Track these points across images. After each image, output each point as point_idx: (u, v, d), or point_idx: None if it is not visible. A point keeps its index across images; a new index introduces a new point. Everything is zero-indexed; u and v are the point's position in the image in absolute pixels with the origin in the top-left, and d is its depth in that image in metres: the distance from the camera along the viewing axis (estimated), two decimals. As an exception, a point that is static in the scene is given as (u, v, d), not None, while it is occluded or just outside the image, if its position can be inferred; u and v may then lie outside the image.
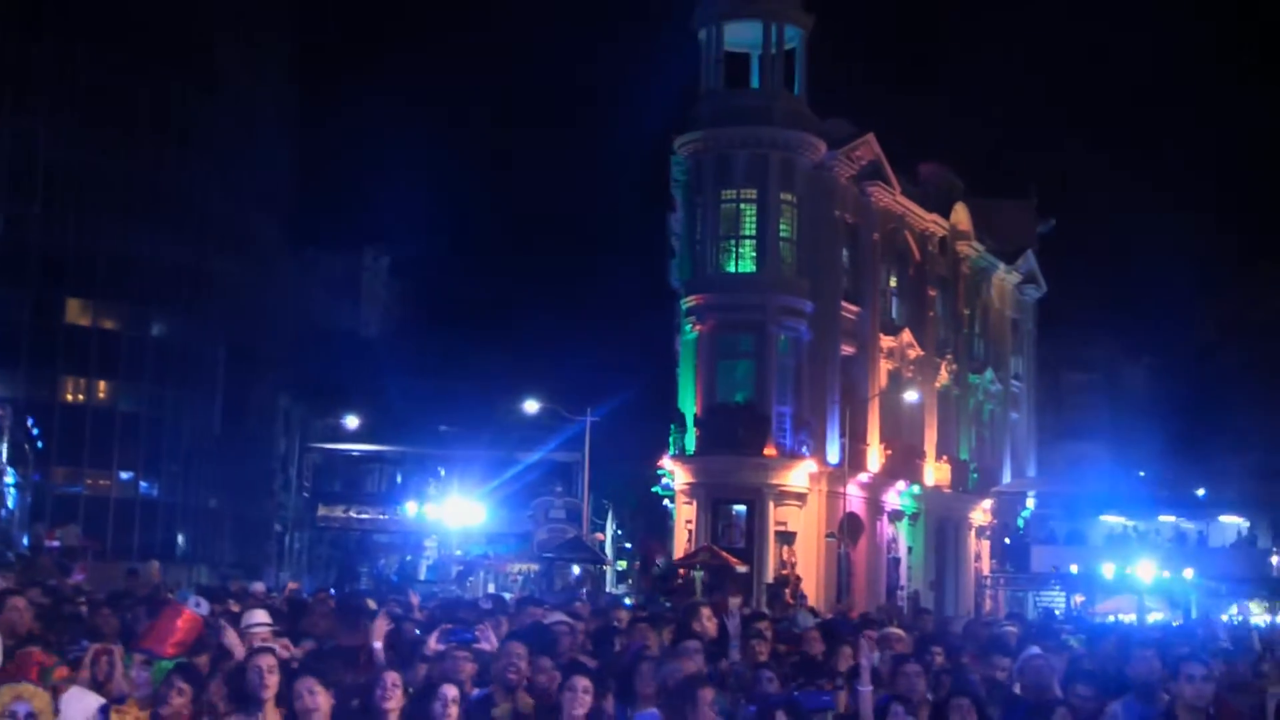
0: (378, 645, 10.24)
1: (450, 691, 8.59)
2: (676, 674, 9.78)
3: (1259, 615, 51.12)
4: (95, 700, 9.00)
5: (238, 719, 8.44)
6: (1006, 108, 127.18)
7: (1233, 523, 60.31)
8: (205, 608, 12.71)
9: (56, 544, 51.01)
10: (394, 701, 8.58)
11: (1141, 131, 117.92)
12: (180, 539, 72.89)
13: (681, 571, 45.02)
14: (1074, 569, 54.07)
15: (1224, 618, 47.17)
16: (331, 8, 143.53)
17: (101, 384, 71.56)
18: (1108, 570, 52.73)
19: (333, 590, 28.14)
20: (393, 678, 8.71)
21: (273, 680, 8.47)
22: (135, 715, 8.66)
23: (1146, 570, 52.19)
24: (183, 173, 72.54)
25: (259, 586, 22.45)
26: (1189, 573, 52.40)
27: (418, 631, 13.06)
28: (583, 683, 8.96)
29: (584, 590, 43.08)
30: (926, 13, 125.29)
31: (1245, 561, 56.16)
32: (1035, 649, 11.46)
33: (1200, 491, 60.82)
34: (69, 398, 70.56)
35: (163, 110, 71.65)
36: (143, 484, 72.01)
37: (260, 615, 12.00)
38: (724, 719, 9.67)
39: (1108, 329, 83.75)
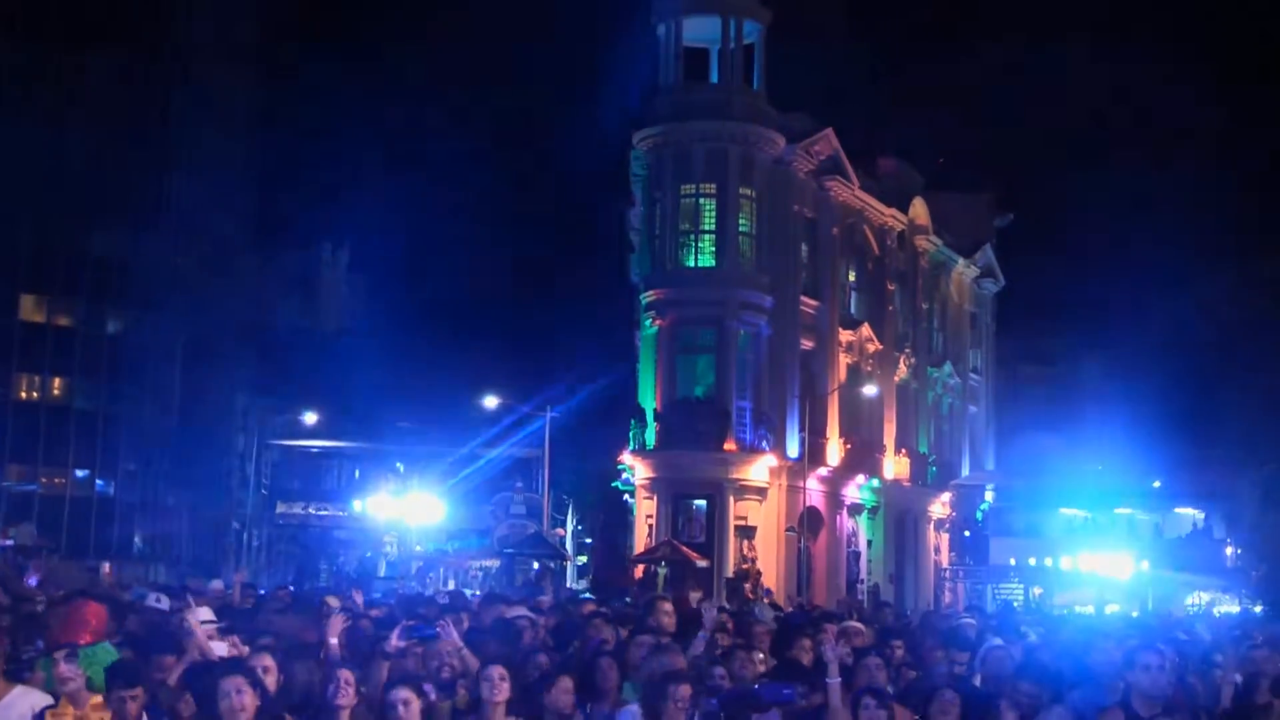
0: (334, 642, 10.19)
1: (403, 694, 8.50)
2: (658, 669, 9.80)
3: (1216, 606, 51.49)
4: (42, 698, 8.90)
5: None
6: (964, 102, 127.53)
7: (1188, 514, 60.76)
8: (165, 604, 12.63)
9: (9, 543, 50.60)
10: (346, 699, 8.52)
11: (1098, 127, 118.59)
12: (137, 537, 72.46)
13: (640, 567, 45.05)
14: (1032, 561, 54.38)
15: (1187, 606, 47.61)
16: (291, 3, 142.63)
17: (56, 381, 71.10)
18: (1066, 563, 53.08)
19: (291, 587, 28.03)
20: (346, 675, 8.65)
21: (245, 700, 8.03)
22: (73, 714, 8.53)
23: (1104, 562, 52.57)
24: (139, 169, 72.07)
25: (217, 584, 22.31)
26: (1145, 564, 52.79)
27: (370, 627, 13.03)
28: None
29: (546, 584, 43.07)
30: (885, 8, 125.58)
31: (1200, 552, 56.62)
32: (996, 640, 11.52)
33: (1156, 484, 61.15)
34: (23, 395, 70.08)
35: (120, 107, 71.14)
36: (99, 482, 71.57)
37: (205, 613, 11.91)
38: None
39: (1065, 322, 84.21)
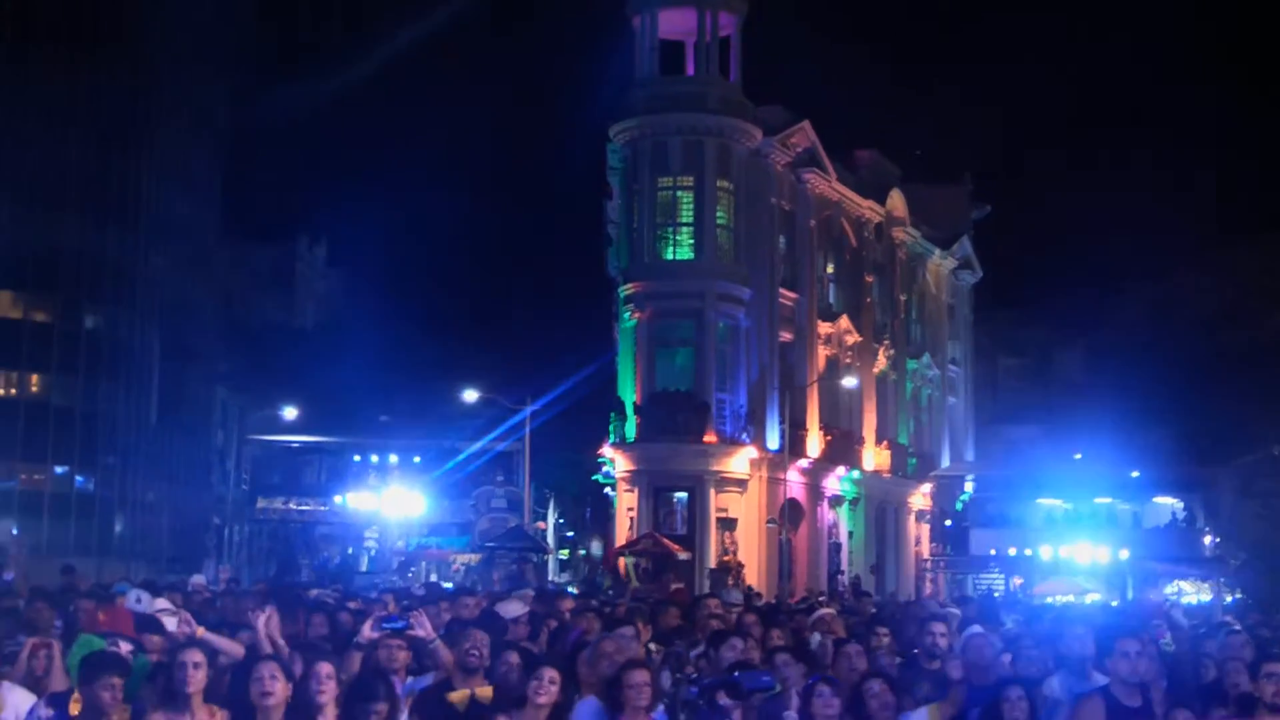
0: (262, 634, 10.14)
1: (325, 668, 8.48)
2: (614, 659, 9.79)
3: (1191, 594, 51.68)
4: (26, 696, 8.89)
5: (163, 715, 8.27)
6: (941, 94, 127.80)
7: (1166, 504, 60.98)
8: (146, 602, 12.59)
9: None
10: (328, 694, 8.47)
11: (1075, 116, 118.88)
12: (117, 533, 72.23)
13: (620, 561, 45.06)
14: (1012, 551, 54.56)
15: (1166, 594, 47.73)
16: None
17: (34, 377, 70.73)
18: (1046, 552, 53.26)
19: (264, 584, 28.01)
20: (327, 668, 8.61)
21: (198, 676, 8.32)
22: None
23: (1083, 552, 52.75)
24: (114, 164, 71.79)
25: (199, 579, 22.22)
26: (1124, 553, 52.99)
27: (350, 620, 13.05)
28: (550, 673, 8.98)
29: (530, 578, 43.10)
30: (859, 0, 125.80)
31: (1179, 541, 56.85)
32: (976, 627, 11.57)
33: (1135, 474, 61.36)
34: (1, 391, 69.78)
35: (94, 103, 70.84)
36: (78, 478, 71.27)
37: (162, 602, 11.94)
38: (665, 701, 9.69)
39: (1043, 313, 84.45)
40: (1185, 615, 18.76)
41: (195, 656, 8.40)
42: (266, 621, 10.28)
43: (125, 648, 8.91)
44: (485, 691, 9.52)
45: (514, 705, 8.89)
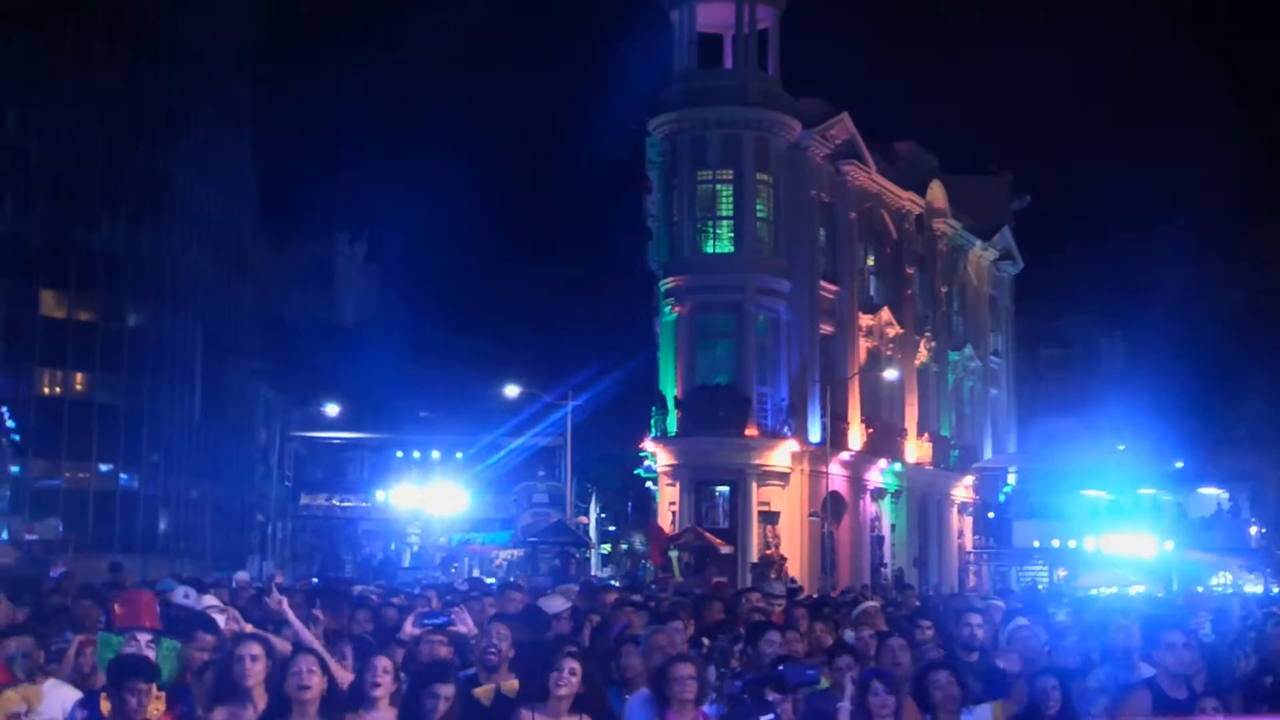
0: (297, 626, 10.23)
1: (383, 663, 8.59)
2: (666, 652, 9.82)
3: (1254, 584, 51.32)
4: (72, 693, 8.95)
5: (225, 710, 8.35)
6: (979, 83, 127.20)
7: (1211, 494, 60.60)
8: (194, 598, 12.68)
9: (34, 538, 50.82)
10: (384, 689, 8.55)
11: (1118, 104, 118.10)
12: (161, 530, 72.70)
13: (657, 557, 45.01)
14: (1056, 544, 54.29)
15: (1214, 585, 47.47)
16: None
17: (79, 376, 71.24)
18: (1089, 544, 52.99)
19: (315, 580, 28.15)
20: (384, 663, 8.70)
21: (257, 669, 8.38)
22: None
23: (1128, 543, 52.45)
24: (155, 163, 72.25)
25: (243, 576, 22.37)
26: (1169, 545, 52.66)
27: (395, 616, 13.10)
28: (570, 664, 8.97)
29: (574, 572, 43.16)
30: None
31: (1225, 532, 56.48)
32: (1022, 620, 11.53)
33: (1179, 464, 60.99)
34: (46, 390, 70.26)
35: (133, 100, 71.27)
36: (123, 476, 71.77)
37: (210, 599, 12.02)
38: (713, 694, 9.68)
39: (1084, 303, 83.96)
40: (1241, 606, 18.65)
41: (254, 649, 8.50)
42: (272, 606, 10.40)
43: (144, 639, 8.93)
44: (511, 685, 9.56)
45: (537, 698, 8.90)
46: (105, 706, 8.20)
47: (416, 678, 8.65)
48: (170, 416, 73.33)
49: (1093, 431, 66.58)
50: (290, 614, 10.30)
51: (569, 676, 8.86)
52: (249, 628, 10.03)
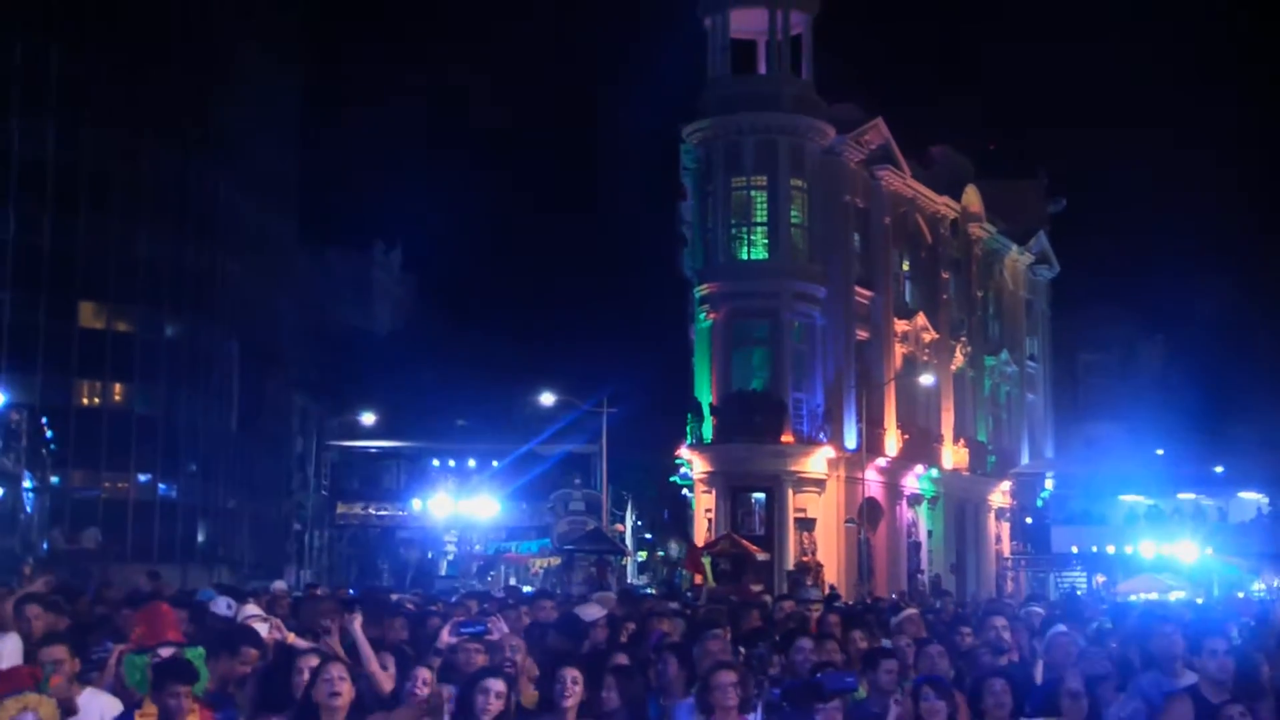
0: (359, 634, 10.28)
1: (424, 673, 8.72)
2: (701, 660, 9.81)
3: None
4: (112, 703, 8.96)
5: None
6: (1014, 87, 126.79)
7: (1252, 499, 60.13)
8: (235, 608, 12.72)
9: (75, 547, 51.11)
10: (423, 692, 8.70)
11: (1152, 107, 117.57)
12: (200, 539, 73.02)
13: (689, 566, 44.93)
14: (1094, 549, 54.01)
15: (1255, 591, 47.13)
16: (337, 2, 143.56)
17: (117, 386, 71.52)
18: (1128, 550, 52.70)
19: (352, 590, 28.18)
20: (425, 674, 8.82)
21: (345, 688, 8.42)
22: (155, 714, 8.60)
23: (1167, 549, 52.13)
24: (191, 173, 72.58)
25: (280, 585, 22.39)
26: (1210, 550, 52.30)
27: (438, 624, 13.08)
28: (570, 673, 8.98)
29: (610, 580, 43.15)
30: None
31: (1266, 537, 56.01)
32: (1061, 627, 11.47)
33: (1218, 468, 60.58)
34: (85, 401, 70.56)
35: (172, 111, 71.62)
36: (161, 486, 72.04)
37: (251, 608, 12.05)
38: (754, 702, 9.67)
39: (1121, 307, 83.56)
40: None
41: (339, 670, 8.61)
42: (346, 625, 10.44)
43: (166, 653, 8.96)
44: (531, 696, 9.60)
45: (551, 711, 8.94)
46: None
47: (469, 678, 8.71)
48: (208, 426, 73.64)
49: (1131, 436, 66.27)
50: (359, 632, 10.36)
51: (572, 686, 8.88)
52: (291, 637, 10.08)
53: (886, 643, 12.83)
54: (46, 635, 10.09)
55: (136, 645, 9.23)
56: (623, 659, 10.59)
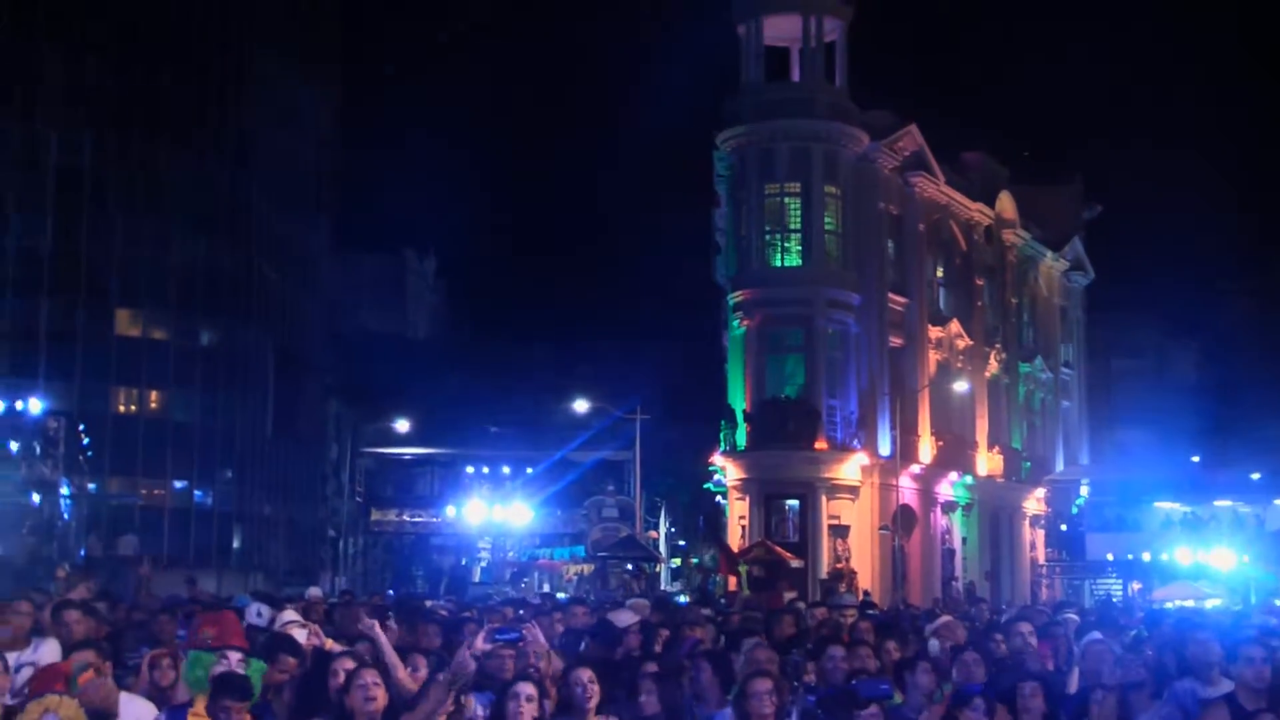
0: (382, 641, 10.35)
1: (527, 689, 8.68)
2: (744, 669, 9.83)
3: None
4: (147, 707, 9.04)
5: None
6: (1049, 93, 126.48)
7: (1290, 506, 59.69)
8: (266, 615, 12.77)
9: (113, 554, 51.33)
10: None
11: (1188, 113, 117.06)
12: (235, 546, 73.33)
13: (723, 572, 44.91)
14: (1129, 556, 53.73)
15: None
16: (371, 9, 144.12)
17: (153, 394, 71.94)
18: (1164, 557, 52.40)
19: (390, 593, 28.29)
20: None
21: (380, 693, 8.50)
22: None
23: (1204, 556, 51.82)
24: (227, 180, 72.93)
25: (315, 591, 22.48)
26: (1246, 558, 51.97)
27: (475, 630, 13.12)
28: (585, 673, 9.01)
29: (642, 587, 43.14)
30: (964, 2, 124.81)
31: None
32: (1096, 634, 11.44)
33: (1255, 475, 60.20)
34: (121, 408, 70.97)
35: (206, 118, 72.04)
36: (197, 492, 72.42)
37: (290, 614, 12.11)
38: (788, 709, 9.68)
39: (1156, 313, 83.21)
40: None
41: (373, 675, 8.68)
42: (365, 631, 10.53)
43: (235, 658, 9.04)
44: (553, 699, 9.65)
45: (571, 713, 8.99)
46: None
47: (503, 685, 8.73)
48: (243, 433, 73.96)
49: (1166, 442, 65.93)
50: (380, 635, 10.41)
51: (590, 686, 8.94)
52: (330, 643, 10.14)
53: (931, 642, 12.85)
54: (84, 640, 10.18)
55: (204, 645, 9.33)
56: (654, 666, 10.62)
